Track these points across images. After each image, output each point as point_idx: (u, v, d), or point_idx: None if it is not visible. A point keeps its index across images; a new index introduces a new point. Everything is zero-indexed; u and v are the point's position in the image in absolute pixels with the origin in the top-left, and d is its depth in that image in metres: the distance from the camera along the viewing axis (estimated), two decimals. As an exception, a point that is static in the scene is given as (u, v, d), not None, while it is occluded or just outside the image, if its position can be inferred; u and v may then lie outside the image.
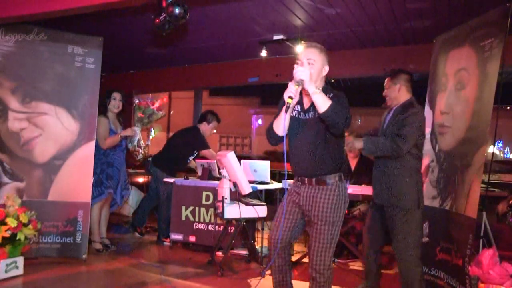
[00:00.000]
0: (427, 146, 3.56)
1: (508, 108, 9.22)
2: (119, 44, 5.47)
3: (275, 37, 4.92)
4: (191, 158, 5.10)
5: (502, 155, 10.91)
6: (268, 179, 4.47)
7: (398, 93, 3.03)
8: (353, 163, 4.63)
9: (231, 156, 3.70)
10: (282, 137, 2.41)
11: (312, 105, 2.34)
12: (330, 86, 2.52)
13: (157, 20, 3.13)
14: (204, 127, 5.03)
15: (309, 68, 2.29)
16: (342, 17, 4.28)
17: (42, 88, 4.05)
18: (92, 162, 4.14)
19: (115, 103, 4.38)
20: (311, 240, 2.39)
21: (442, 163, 3.33)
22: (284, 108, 2.23)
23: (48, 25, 3.99)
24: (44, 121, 4.04)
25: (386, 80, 3.13)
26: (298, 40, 4.95)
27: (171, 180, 4.78)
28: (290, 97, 2.18)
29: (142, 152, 4.69)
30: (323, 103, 2.16)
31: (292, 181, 2.66)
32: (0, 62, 3.93)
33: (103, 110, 4.30)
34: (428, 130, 3.58)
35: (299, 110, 2.46)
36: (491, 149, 3.58)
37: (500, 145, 10.73)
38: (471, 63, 3.10)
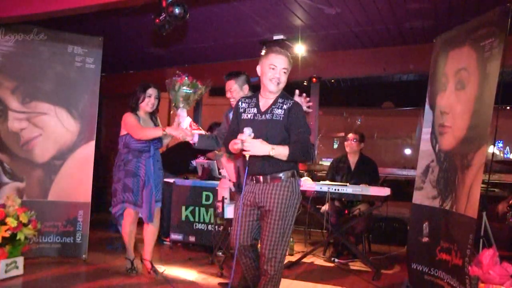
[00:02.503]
0: (427, 146, 3.57)
1: (508, 108, 9.21)
2: (119, 44, 5.46)
3: (275, 37, 4.92)
4: (193, 162, 5.09)
5: (502, 155, 10.89)
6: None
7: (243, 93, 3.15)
8: (353, 162, 4.62)
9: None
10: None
11: (269, 108, 2.52)
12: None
13: (157, 20, 3.13)
14: None
15: (282, 77, 2.51)
16: (342, 17, 4.28)
17: (42, 88, 4.06)
18: (92, 162, 4.14)
19: (150, 101, 3.64)
20: (263, 233, 2.47)
21: (442, 163, 3.33)
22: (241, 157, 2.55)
23: (48, 25, 3.99)
24: (44, 121, 4.04)
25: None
26: (298, 40, 4.95)
27: (171, 180, 4.78)
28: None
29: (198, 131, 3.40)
30: (283, 156, 2.39)
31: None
32: (0, 62, 3.93)
33: (133, 107, 3.65)
34: (428, 130, 3.59)
35: (256, 112, 2.56)
36: (491, 149, 3.58)
37: (500, 145, 10.71)
38: (471, 63, 3.10)
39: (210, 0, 3.94)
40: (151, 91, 3.64)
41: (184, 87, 3.39)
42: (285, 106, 2.50)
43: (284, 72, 2.52)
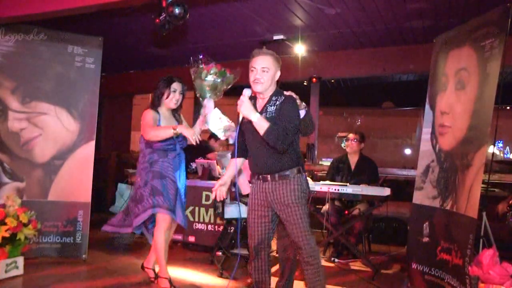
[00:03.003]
0: (427, 146, 3.57)
1: (508, 108, 9.22)
2: (119, 44, 5.47)
3: (275, 37, 4.93)
4: (193, 165, 5.10)
5: (502, 155, 10.91)
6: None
7: None
8: (353, 163, 4.62)
9: (230, 156, 3.70)
10: None
11: (263, 108, 2.58)
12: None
13: (157, 20, 3.13)
14: (212, 143, 5.26)
15: (263, 75, 2.53)
16: (342, 17, 4.28)
17: (42, 88, 4.05)
18: (92, 162, 4.13)
19: (174, 96, 3.29)
20: (289, 227, 2.54)
21: (442, 163, 3.33)
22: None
23: (48, 25, 3.99)
24: (44, 121, 4.04)
25: None
26: (298, 40, 4.96)
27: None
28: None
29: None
30: (261, 128, 2.44)
31: None
32: (0, 62, 3.93)
33: (155, 103, 3.30)
34: (428, 130, 3.59)
35: None
36: (491, 149, 3.58)
37: (500, 145, 10.73)
38: (471, 63, 3.10)
39: (210, 0, 3.94)
40: (176, 86, 3.31)
41: (212, 76, 3.15)
42: (277, 102, 2.55)
43: (265, 71, 2.54)
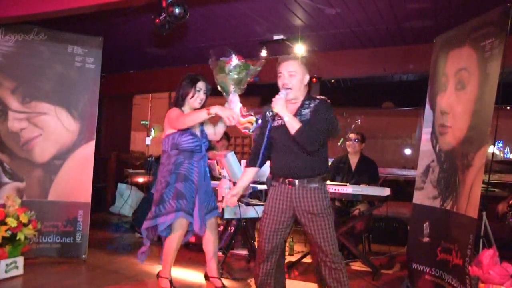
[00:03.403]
0: (427, 146, 3.57)
1: (508, 108, 9.22)
2: (119, 44, 5.47)
3: (275, 37, 4.93)
4: None
5: (502, 155, 10.91)
6: (268, 179, 4.47)
7: None
8: (353, 163, 4.62)
9: (230, 156, 3.70)
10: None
11: (297, 111, 2.54)
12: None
13: (157, 20, 3.13)
14: (213, 143, 5.24)
15: (291, 80, 2.53)
16: (342, 17, 4.28)
17: (42, 88, 4.05)
18: (92, 162, 4.13)
19: (199, 96, 3.20)
20: (315, 235, 2.51)
21: (443, 163, 3.33)
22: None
23: (48, 25, 3.99)
24: (44, 121, 4.04)
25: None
26: (298, 40, 4.96)
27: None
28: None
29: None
30: (292, 128, 2.44)
31: None
32: (0, 62, 3.93)
33: (180, 102, 3.21)
34: (428, 130, 3.59)
35: None
36: (491, 149, 3.58)
37: (500, 145, 10.73)
38: (471, 63, 3.10)
39: (210, 0, 3.94)
40: (201, 85, 3.20)
41: (236, 69, 3.00)
42: (312, 105, 2.54)
43: (292, 75, 2.53)
